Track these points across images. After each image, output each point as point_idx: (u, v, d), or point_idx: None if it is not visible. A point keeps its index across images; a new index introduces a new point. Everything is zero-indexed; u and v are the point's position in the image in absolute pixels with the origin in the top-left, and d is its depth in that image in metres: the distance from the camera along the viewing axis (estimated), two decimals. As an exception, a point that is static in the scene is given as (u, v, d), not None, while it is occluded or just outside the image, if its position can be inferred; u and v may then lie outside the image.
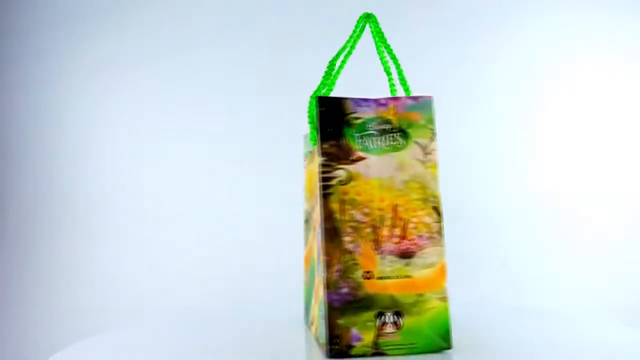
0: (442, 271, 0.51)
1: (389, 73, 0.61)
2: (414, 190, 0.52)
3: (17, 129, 1.41)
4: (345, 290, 0.50)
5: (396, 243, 0.51)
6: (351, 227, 0.51)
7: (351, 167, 0.52)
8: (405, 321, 0.50)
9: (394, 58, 0.62)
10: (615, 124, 1.31)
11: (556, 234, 1.28)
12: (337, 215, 0.51)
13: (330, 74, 0.59)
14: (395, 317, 0.50)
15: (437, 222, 0.52)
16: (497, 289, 1.25)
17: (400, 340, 0.50)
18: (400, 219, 0.51)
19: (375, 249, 0.51)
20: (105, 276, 1.34)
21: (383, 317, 0.50)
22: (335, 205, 0.51)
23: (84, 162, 1.38)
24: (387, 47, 0.62)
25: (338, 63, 0.60)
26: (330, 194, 0.51)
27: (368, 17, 0.61)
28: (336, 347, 0.49)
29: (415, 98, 0.54)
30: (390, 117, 0.53)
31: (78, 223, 1.36)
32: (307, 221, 0.67)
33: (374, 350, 0.49)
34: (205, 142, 1.35)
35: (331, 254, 0.50)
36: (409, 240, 0.51)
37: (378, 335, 0.50)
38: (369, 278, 0.50)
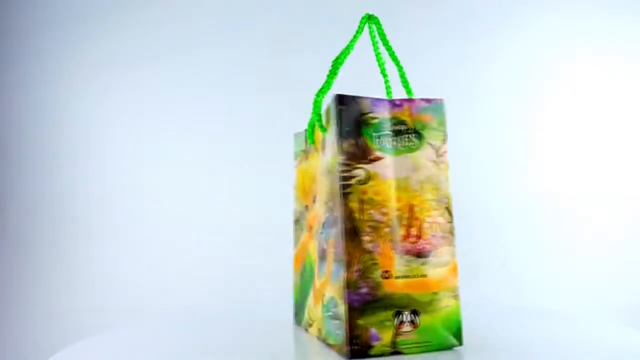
0: (454, 270, 0.52)
1: (385, 75, 0.61)
2: (428, 190, 0.53)
3: (17, 129, 1.41)
4: (364, 290, 0.50)
5: (413, 243, 0.51)
6: (370, 226, 0.51)
7: (369, 167, 0.52)
8: (421, 320, 0.50)
9: (395, 60, 0.62)
10: (615, 124, 1.31)
11: (556, 234, 1.28)
12: (357, 215, 0.51)
13: (335, 74, 0.59)
14: (412, 315, 0.50)
15: (449, 222, 0.53)
16: (497, 289, 1.25)
17: (416, 339, 0.50)
18: (417, 218, 0.52)
19: (393, 249, 0.51)
20: (105, 276, 1.34)
21: (401, 316, 0.50)
22: (354, 205, 0.51)
23: (84, 162, 1.38)
24: (389, 48, 0.62)
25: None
26: (349, 193, 0.51)
27: (370, 19, 0.61)
28: (356, 347, 0.49)
29: (428, 100, 0.54)
30: (406, 118, 0.53)
31: (78, 223, 1.36)
32: (298, 221, 0.67)
33: (392, 350, 0.50)
34: (205, 142, 1.35)
35: (351, 253, 0.50)
36: (425, 240, 0.52)
37: (396, 335, 0.50)
38: (387, 277, 0.50)
